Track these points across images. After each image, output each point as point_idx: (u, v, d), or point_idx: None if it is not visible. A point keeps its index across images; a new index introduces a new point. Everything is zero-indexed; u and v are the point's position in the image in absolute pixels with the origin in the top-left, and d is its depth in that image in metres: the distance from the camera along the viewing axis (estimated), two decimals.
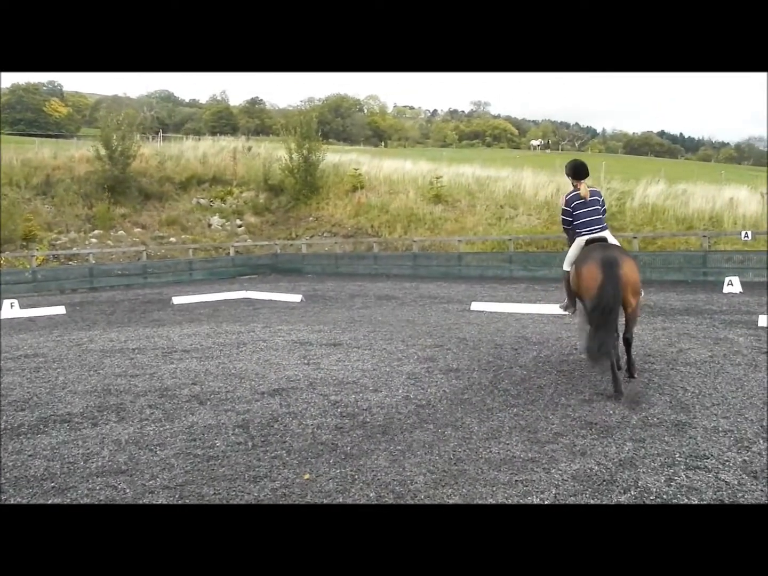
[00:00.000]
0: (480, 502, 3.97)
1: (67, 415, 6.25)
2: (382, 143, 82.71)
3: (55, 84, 79.58)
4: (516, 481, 4.28)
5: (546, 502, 3.93)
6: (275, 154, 33.66)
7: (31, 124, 63.58)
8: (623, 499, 3.93)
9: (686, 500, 3.90)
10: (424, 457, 4.80)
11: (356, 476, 4.46)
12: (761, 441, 4.88)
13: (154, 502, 4.11)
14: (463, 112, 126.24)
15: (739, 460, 4.52)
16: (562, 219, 7.42)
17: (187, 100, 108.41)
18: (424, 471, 4.51)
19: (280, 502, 4.06)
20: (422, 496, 4.08)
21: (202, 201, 31.10)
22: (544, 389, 6.60)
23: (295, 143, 30.36)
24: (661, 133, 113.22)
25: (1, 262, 22.52)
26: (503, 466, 4.56)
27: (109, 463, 4.89)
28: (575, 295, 7.29)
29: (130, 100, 76.95)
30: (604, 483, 4.18)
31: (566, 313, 8.10)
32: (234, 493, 4.24)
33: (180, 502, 4.11)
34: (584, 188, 7.11)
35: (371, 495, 4.13)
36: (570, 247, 7.49)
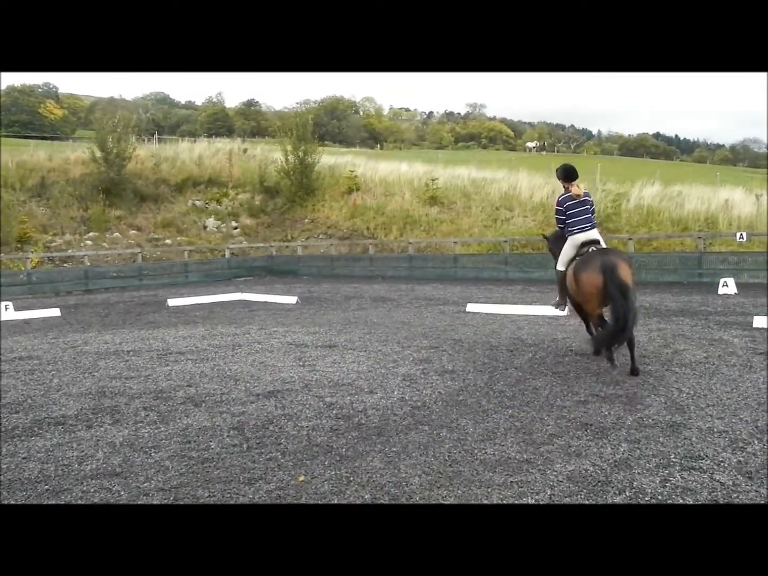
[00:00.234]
0: (475, 503, 3.97)
1: (62, 417, 6.23)
2: (378, 145, 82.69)
3: (51, 86, 79.33)
4: (511, 482, 4.27)
5: (541, 503, 3.93)
6: (271, 156, 33.67)
7: (27, 126, 63.39)
8: (618, 500, 3.93)
9: (681, 501, 3.90)
10: (420, 458, 4.79)
11: (351, 478, 4.45)
12: (756, 442, 4.89)
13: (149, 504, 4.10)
14: (458, 114, 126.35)
15: (734, 460, 4.52)
16: (557, 219, 7.99)
17: (182, 102, 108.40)
18: (420, 472, 4.51)
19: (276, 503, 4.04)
20: (417, 498, 4.07)
21: (197, 203, 31.07)
22: (539, 391, 6.61)
23: (291, 145, 30.36)
24: (657, 135, 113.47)
25: None
26: (498, 467, 4.56)
27: (104, 465, 4.88)
28: (568, 295, 7.97)
29: (125, 102, 76.80)
30: (600, 484, 4.18)
31: (557, 310, 8.78)
32: (229, 495, 4.22)
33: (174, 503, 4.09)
34: (576, 188, 7.71)
35: (366, 496, 4.13)
36: (549, 247, 8.48)
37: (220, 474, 4.61)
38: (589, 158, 57.56)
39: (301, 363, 8.32)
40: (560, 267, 7.92)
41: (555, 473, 4.39)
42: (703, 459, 4.57)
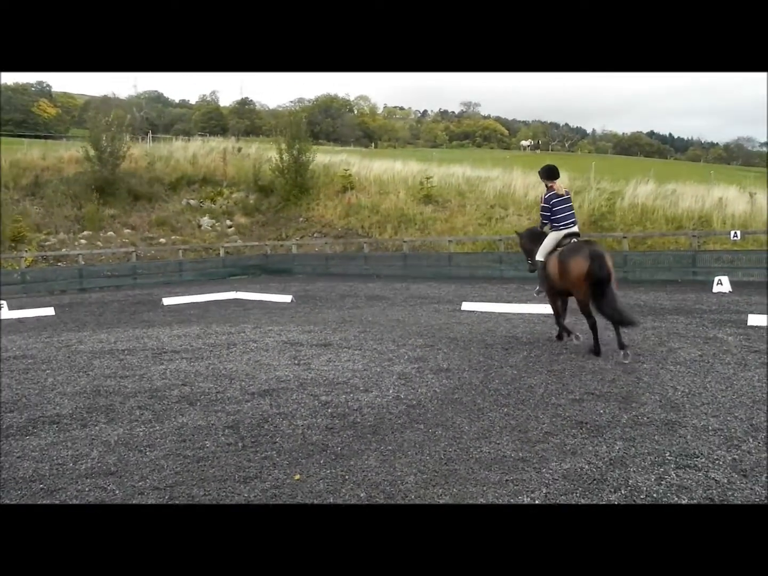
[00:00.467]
0: (470, 502, 3.98)
1: (56, 416, 6.22)
2: (373, 144, 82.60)
3: (44, 84, 78.96)
4: (506, 480, 4.28)
5: (536, 502, 3.94)
6: (265, 154, 33.60)
7: (20, 125, 63.12)
8: (614, 498, 3.94)
9: (676, 499, 3.91)
10: (415, 457, 4.80)
11: (347, 476, 4.45)
12: (750, 440, 4.91)
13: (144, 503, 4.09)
14: (453, 112, 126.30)
15: (729, 458, 4.54)
16: (542, 215, 8.77)
17: (176, 101, 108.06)
18: (415, 471, 4.51)
19: (271, 503, 4.04)
20: (413, 496, 4.08)
21: (192, 202, 30.98)
22: (534, 389, 6.62)
23: (286, 144, 30.30)
24: (651, 134, 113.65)
25: None
26: (494, 465, 4.56)
27: (99, 464, 4.87)
28: (547, 283, 8.69)
29: (119, 100, 76.36)
30: (595, 482, 4.19)
31: (537, 296, 9.64)
32: (224, 494, 4.22)
33: (170, 503, 4.09)
34: (559, 185, 8.57)
35: (362, 495, 4.13)
36: (522, 243, 9.59)
37: (215, 473, 4.61)
38: (583, 157, 57.59)
39: (296, 362, 8.31)
40: (540, 257, 8.68)
41: (550, 471, 4.40)
42: (698, 457, 4.58)
